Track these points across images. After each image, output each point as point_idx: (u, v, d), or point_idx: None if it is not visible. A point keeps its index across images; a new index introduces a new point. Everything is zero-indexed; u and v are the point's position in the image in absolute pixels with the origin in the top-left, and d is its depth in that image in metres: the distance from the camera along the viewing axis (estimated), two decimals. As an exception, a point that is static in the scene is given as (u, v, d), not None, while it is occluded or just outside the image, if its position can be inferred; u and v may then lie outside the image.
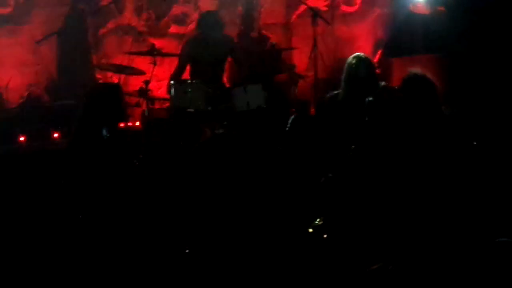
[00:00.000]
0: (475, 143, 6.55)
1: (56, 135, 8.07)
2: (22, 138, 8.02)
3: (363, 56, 6.36)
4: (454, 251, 6.04)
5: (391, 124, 6.08)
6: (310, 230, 6.33)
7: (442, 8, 9.98)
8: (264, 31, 10.33)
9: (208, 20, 9.19)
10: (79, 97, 9.08)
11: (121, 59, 9.64)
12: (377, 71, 7.48)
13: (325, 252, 6.17)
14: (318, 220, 6.26)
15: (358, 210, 6.01)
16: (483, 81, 8.86)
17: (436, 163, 6.09)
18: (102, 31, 10.10)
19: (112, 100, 6.82)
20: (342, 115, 6.23)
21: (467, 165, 6.28)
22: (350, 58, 6.34)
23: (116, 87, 7.07)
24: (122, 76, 9.33)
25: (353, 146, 5.94)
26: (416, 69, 6.49)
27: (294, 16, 10.37)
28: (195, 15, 10.05)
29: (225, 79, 9.64)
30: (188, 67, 9.09)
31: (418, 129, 6.12)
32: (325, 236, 6.17)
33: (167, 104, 8.70)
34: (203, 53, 8.99)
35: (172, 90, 8.42)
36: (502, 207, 6.29)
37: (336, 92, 6.48)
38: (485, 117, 7.89)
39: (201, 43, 9.11)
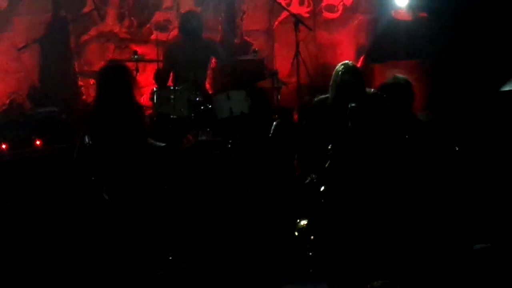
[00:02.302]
0: (457, 149, 6.59)
1: (38, 142, 8.02)
2: (4, 146, 7.98)
3: (350, 64, 6.45)
4: (433, 256, 6.06)
5: (373, 131, 6.11)
6: (296, 233, 6.34)
7: (424, 14, 10.03)
8: (246, 38, 10.34)
9: (189, 19, 9.18)
10: (61, 104, 9.06)
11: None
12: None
13: (313, 252, 6.18)
14: (303, 222, 6.27)
15: (341, 212, 6.03)
16: (465, 87, 8.91)
17: (417, 168, 6.12)
18: (84, 38, 10.07)
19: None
20: (329, 120, 6.28)
21: (449, 170, 6.31)
22: (338, 65, 6.43)
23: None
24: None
25: (330, 146, 5.97)
26: (399, 74, 6.58)
27: (276, 23, 10.38)
28: (177, 22, 10.05)
29: (207, 85, 9.63)
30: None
31: (399, 136, 6.16)
32: (312, 237, 6.18)
33: (150, 111, 8.68)
34: (185, 58, 8.97)
35: (155, 97, 8.41)
36: (485, 212, 6.32)
37: (324, 96, 6.52)
38: (467, 122, 7.93)
39: (183, 48, 9.10)
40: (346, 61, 6.51)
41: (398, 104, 6.36)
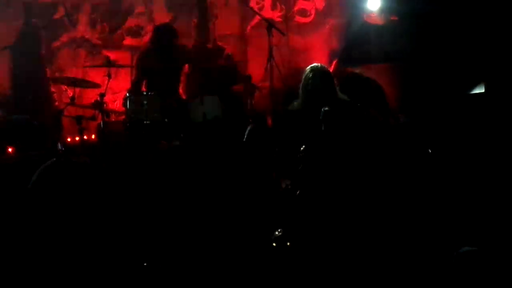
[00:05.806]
0: (430, 151, 6.62)
1: (10, 149, 7.96)
2: (-25, 153, 7.92)
3: (319, 67, 6.36)
4: (413, 261, 6.07)
5: (347, 134, 6.11)
6: (274, 244, 6.31)
7: (395, 18, 10.08)
8: (219, 42, 10.34)
9: (162, 33, 9.17)
10: (33, 111, 9.00)
11: (75, 72, 9.59)
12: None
13: (290, 259, 6.16)
14: (278, 231, 6.24)
15: (317, 215, 6.03)
16: (437, 89, 8.96)
17: (391, 171, 6.14)
18: (55, 44, 10.02)
19: None
20: (299, 124, 6.25)
21: (422, 173, 6.34)
22: (307, 69, 6.36)
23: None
24: (77, 89, 9.28)
25: (302, 147, 5.94)
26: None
27: (249, 27, 10.39)
28: (149, 27, 10.03)
29: (181, 90, 9.62)
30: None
31: (372, 139, 6.17)
32: (288, 244, 6.14)
33: (123, 116, 8.66)
34: (157, 65, 8.96)
35: (128, 102, 8.38)
36: (460, 214, 6.34)
37: (295, 102, 6.50)
38: (439, 124, 7.98)
39: (155, 55, 9.09)
40: (315, 64, 6.42)
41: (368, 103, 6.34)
